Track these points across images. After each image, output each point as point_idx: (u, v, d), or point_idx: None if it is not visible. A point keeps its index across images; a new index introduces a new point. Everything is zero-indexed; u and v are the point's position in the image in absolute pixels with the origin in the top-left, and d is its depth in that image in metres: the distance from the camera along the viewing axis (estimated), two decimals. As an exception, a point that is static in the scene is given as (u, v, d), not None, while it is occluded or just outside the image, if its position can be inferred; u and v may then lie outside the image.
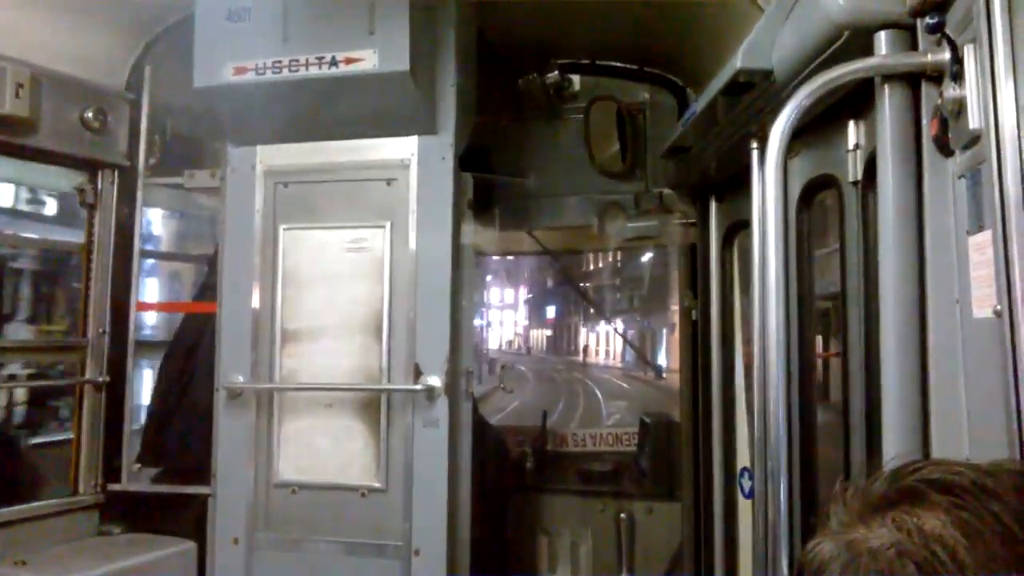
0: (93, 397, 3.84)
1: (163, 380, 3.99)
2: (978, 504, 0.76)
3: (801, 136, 2.43)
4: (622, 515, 4.34)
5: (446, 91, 3.42)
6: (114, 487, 3.82)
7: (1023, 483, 0.78)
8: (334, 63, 3.19)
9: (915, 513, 0.77)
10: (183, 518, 3.69)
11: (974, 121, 1.55)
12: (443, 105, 3.43)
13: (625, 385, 26.01)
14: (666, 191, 4.36)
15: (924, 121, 1.81)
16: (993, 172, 1.46)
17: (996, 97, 1.47)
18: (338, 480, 3.40)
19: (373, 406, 3.40)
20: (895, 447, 1.81)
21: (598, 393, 23.11)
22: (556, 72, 4.39)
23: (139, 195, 3.95)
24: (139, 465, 3.89)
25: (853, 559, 0.79)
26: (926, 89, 1.80)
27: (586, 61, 4.48)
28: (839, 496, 0.86)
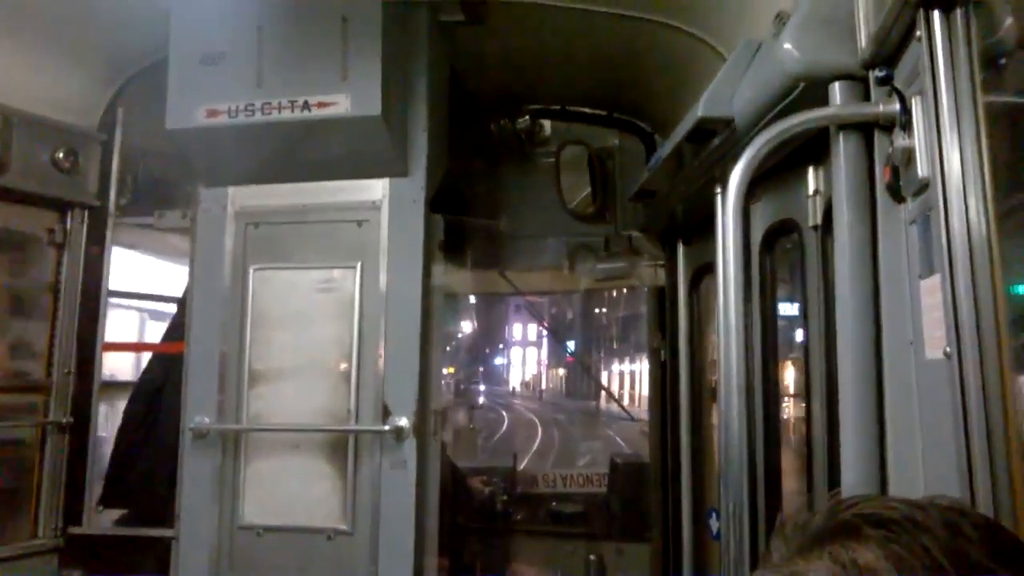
0: (56, 438, 3.77)
1: (128, 420, 3.93)
2: (909, 538, 0.79)
3: (763, 182, 2.51)
4: (591, 556, 4.32)
5: (418, 135, 3.47)
6: (75, 530, 3.74)
7: (952, 518, 0.82)
8: (307, 107, 3.22)
9: (850, 547, 0.80)
10: (146, 561, 3.62)
11: (922, 169, 1.61)
12: (415, 148, 3.47)
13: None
14: (635, 234, 4.43)
15: (877, 169, 1.88)
16: (941, 218, 1.51)
17: (942, 147, 1.53)
18: (304, 522, 3.36)
19: (341, 447, 3.38)
20: (853, 482, 1.84)
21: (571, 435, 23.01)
22: (527, 117, 4.49)
23: (108, 235, 3.94)
24: (102, 507, 3.82)
25: None
26: (879, 138, 1.87)
27: (557, 107, 4.57)
28: (780, 530, 0.89)
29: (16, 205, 3.74)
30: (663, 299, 4.24)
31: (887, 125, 1.82)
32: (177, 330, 3.83)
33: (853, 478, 1.84)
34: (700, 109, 2.47)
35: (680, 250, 3.96)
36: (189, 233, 3.73)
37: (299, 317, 3.48)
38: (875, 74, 1.78)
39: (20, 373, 3.87)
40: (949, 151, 1.52)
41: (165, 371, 3.85)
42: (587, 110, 4.56)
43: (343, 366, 3.41)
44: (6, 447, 3.78)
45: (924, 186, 1.62)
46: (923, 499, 0.86)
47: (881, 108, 1.81)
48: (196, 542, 3.43)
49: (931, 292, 1.61)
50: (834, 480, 2.18)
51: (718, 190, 2.83)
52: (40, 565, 3.65)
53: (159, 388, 3.86)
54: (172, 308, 4.14)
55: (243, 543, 3.40)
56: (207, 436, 3.45)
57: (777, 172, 2.48)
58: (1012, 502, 1.32)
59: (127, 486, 3.84)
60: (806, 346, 2.45)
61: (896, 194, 1.79)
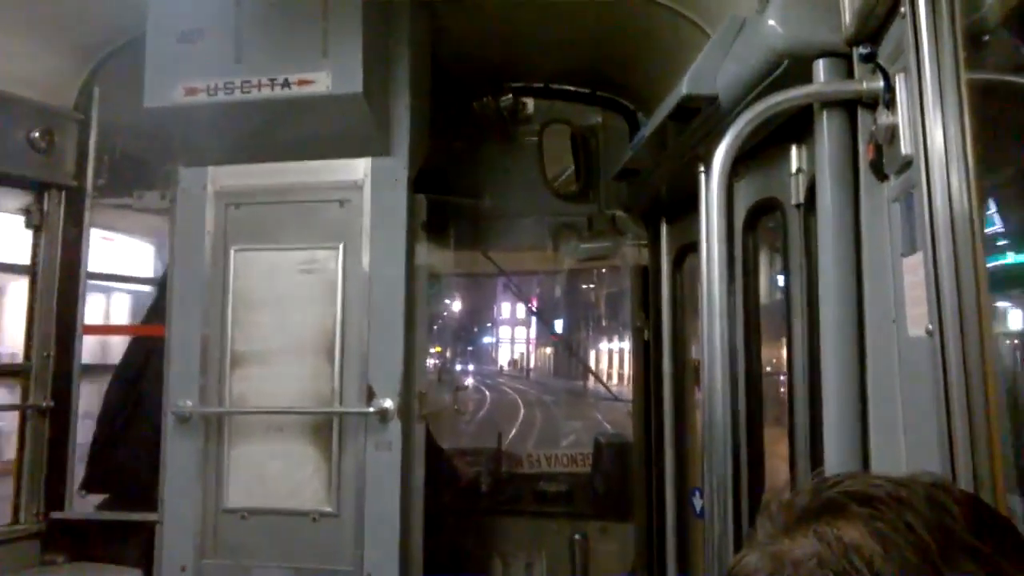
0: (36, 422, 3.74)
1: (109, 404, 3.90)
2: (893, 515, 0.79)
3: (746, 160, 2.50)
4: (576, 535, 4.34)
5: (400, 113, 3.44)
6: (57, 515, 3.72)
7: (935, 494, 0.82)
8: (287, 84, 3.18)
9: (836, 524, 0.81)
10: (129, 546, 3.60)
11: (906, 147, 1.61)
12: (397, 127, 3.44)
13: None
14: (619, 213, 4.43)
15: (861, 146, 1.87)
16: (924, 197, 1.51)
17: (925, 125, 1.53)
18: (289, 505, 3.36)
19: (325, 429, 3.37)
20: (836, 459, 1.85)
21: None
22: (510, 96, 4.45)
23: (87, 216, 3.89)
24: (84, 491, 3.80)
25: (777, 569, 0.81)
26: (862, 116, 1.87)
27: (540, 85, 4.54)
28: (765, 509, 0.89)
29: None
30: (646, 278, 4.24)
31: (870, 103, 1.82)
32: (157, 313, 3.79)
33: (835, 454, 1.85)
34: (684, 86, 2.46)
35: (663, 229, 3.95)
36: (168, 214, 3.69)
37: (282, 298, 3.46)
38: (859, 51, 1.77)
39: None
40: (932, 128, 1.52)
41: (146, 354, 3.81)
42: (570, 88, 4.53)
43: (327, 348, 3.39)
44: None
45: (907, 164, 1.62)
46: (906, 476, 0.86)
47: (865, 85, 1.81)
48: (180, 526, 3.42)
49: (913, 270, 1.61)
50: (816, 456, 2.20)
51: (702, 168, 2.82)
52: (22, 550, 3.62)
53: (140, 371, 3.83)
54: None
55: (228, 526, 3.39)
56: (190, 420, 3.43)
57: (760, 150, 2.47)
58: (992, 478, 1.33)
59: (109, 470, 3.81)
60: (788, 324, 2.45)
61: (879, 172, 1.79)
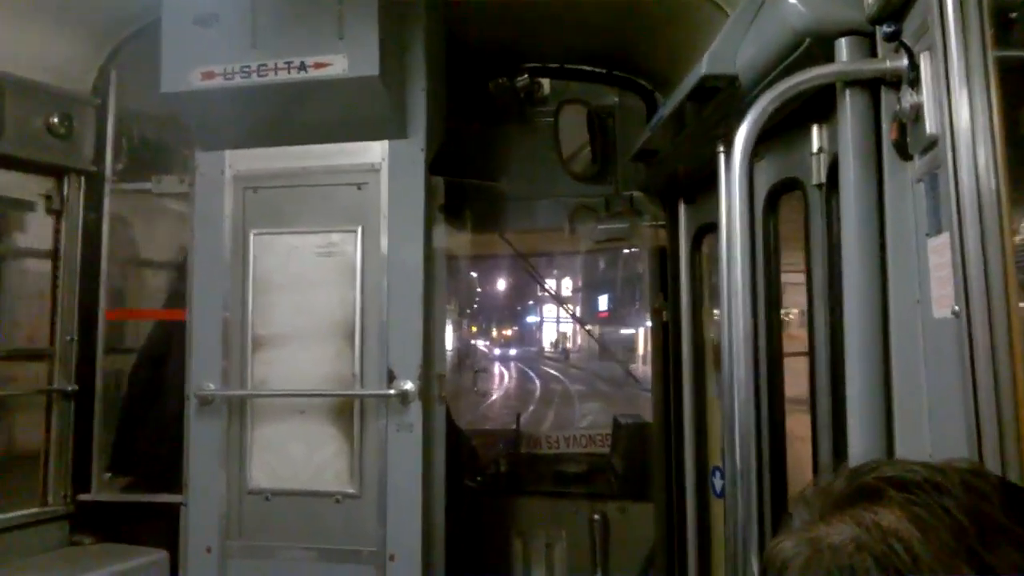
0: (62, 406, 3.79)
1: (133, 387, 3.95)
2: (931, 500, 0.80)
3: (766, 140, 2.47)
4: (595, 516, 4.37)
5: (416, 95, 3.43)
6: (84, 497, 3.78)
7: (971, 480, 0.83)
8: (303, 68, 3.18)
9: (873, 509, 0.81)
10: (155, 527, 3.65)
11: (931, 126, 1.59)
12: (414, 109, 3.43)
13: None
14: (636, 194, 4.40)
15: (884, 126, 1.85)
16: (949, 177, 1.50)
17: (951, 103, 1.51)
18: (312, 486, 3.39)
19: (346, 411, 3.40)
20: (860, 442, 1.85)
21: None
22: (526, 76, 4.42)
23: (106, 201, 3.92)
24: (110, 474, 3.86)
25: (815, 554, 0.82)
26: (886, 95, 1.85)
27: (555, 65, 4.51)
28: (801, 497, 0.90)
29: (11, 171, 3.71)
30: (664, 259, 4.22)
31: (894, 81, 1.79)
32: (178, 297, 3.82)
33: (859, 438, 1.84)
34: (703, 67, 2.44)
35: (681, 209, 3.93)
36: (187, 198, 3.71)
37: (301, 281, 3.48)
38: (883, 29, 1.75)
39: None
40: (958, 107, 1.50)
41: (168, 337, 3.85)
42: (586, 68, 4.49)
43: (347, 330, 3.41)
44: (13, 414, 3.80)
45: (932, 143, 1.60)
46: (941, 462, 0.87)
47: (888, 64, 1.79)
48: (205, 508, 3.46)
49: (939, 251, 1.60)
50: (839, 440, 2.19)
51: (721, 148, 2.81)
52: (51, 531, 3.69)
53: (163, 354, 3.86)
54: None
55: (252, 508, 3.43)
56: (212, 402, 3.46)
57: (780, 130, 2.45)
58: (1020, 462, 1.32)
59: (134, 453, 3.86)
60: (810, 305, 2.44)
61: (903, 151, 1.77)
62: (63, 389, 3.80)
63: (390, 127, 3.40)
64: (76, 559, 3.59)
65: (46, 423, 3.77)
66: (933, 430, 1.65)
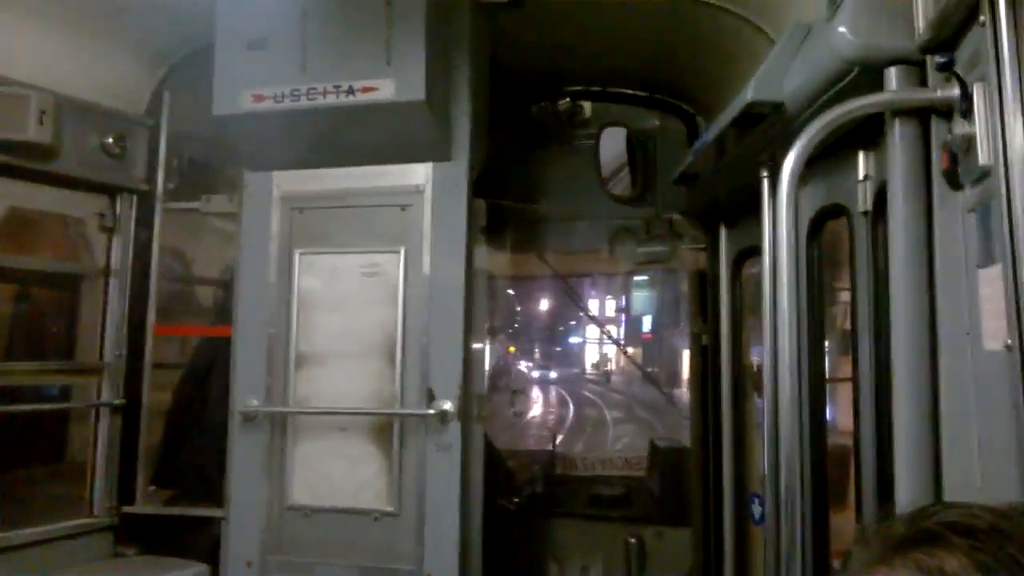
0: (109, 419, 3.87)
1: (178, 402, 4.02)
2: (995, 546, 0.79)
3: (810, 165, 2.46)
4: (631, 539, 4.34)
5: (460, 119, 3.47)
6: (129, 509, 3.85)
7: None
8: (351, 92, 3.24)
9: (935, 554, 0.80)
10: (197, 541, 3.71)
11: (984, 157, 1.58)
12: (457, 133, 3.47)
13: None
14: (676, 216, 4.41)
15: (934, 155, 1.84)
16: (1003, 208, 1.48)
17: (1005, 134, 1.50)
18: (351, 504, 3.42)
19: (386, 430, 3.43)
20: (907, 476, 1.82)
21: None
22: (568, 99, 4.46)
23: (157, 219, 4.01)
24: (153, 487, 3.92)
25: None
26: (936, 124, 1.84)
27: (597, 88, 4.54)
28: (859, 537, 0.89)
29: (67, 190, 3.82)
30: (704, 283, 4.21)
31: (945, 110, 1.79)
32: (224, 314, 3.89)
33: (906, 473, 1.82)
34: (750, 93, 2.44)
35: (722, 233, 3.93)
36: (235, 218, 3.79)
37: (344, 301, 3.52)
38: (936, 59, 1.74)
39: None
40: (1012, 138, 1.49)
41: (213, 353, 3.92)
42: (628, 91, 4.52)
43: (388, 350, 3.44)
44: (64, 427, 3.90)
45: (985, 173, 1.59)
46: (1004, 506, 0.86)
47: (939, 93, 1.78)
48: (246, 522, 3.50)
49: (991, 282, 1.58)
50: (883, 474, 2.17)
51: (765, 174, 2.81)
52: (97, 542, 3.76)
53: (208, 370, 3.93)
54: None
55: (291, 523, 3.47)
56: (255, 418, 3.51)
57: (824, 155, 2.44)
58: (1076, 498, 1.30)
59: (178, 467, 3.93)
60: (854, 334, 2.42)
61: (954, 181, 1.76)
62: (111, 403, 3.88)
63: (434, 150, 3.44)
64: (120, 570, 3.66)
65: (93, 436, 3.86)
66: (983, 465, 1.63)
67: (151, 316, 3.97)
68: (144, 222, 4.02)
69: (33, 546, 3.50)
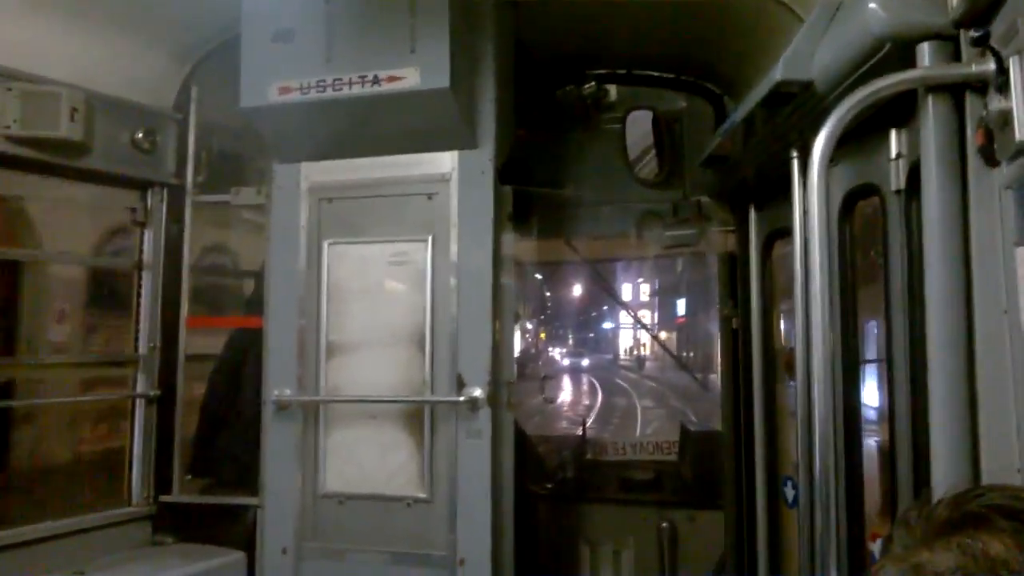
0: (145, 410, 3.94)
1: (212, 393, 4.07)
2: None
3: (841, 145, 2.43)
4: (664, 523, 4.33)
5: (486, 106, 3.47)
6: (166, 498, 3.91)
7: None
8: (376, 81, 3.24)
9: (979, 537, 0.79)
10: (233, 528, 3.76)
11: (1021, 132, 1.55)
12: (483, 119, 3.47)
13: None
14: (704, 199, 4.37)
15: (969, 131, 1.81)
16: (1041, 184, 1.46)
17: (1042, 109, 1.47)
18: (384, 491, 3.45)
19: (417, 417, 3.45)
20: (943, 457, 1.80)
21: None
22: (593, 83, 4.42)
23: (187, 212, 4.05)
24: (190, 476, 3.99)
25: None
26: (970, 100, 1.80)
27: (623, 71, 4.50)
28: (902, 521, 0.88)
29: (99, 185, 3.87)
30: (733, 265, 4.17)
31: (979, 86, 1.75)
32: (255, 305, 3.93)
33: (943, 454, 1.80)
34: (779, 72, 2.41)
35: (752, 215, 3.88)
36: (263, 209, 3.82)
37: (373, 290, 3.55)
38: (970, 34, 1.71)
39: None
40: (1050, 113, 1.46)
41: (246, 344, 3.96)
42: (654, 73, 4.48)
43: (417, 338, 3.46)
44: (102, 418, 3.97)
45: (1022, 150, 1.56)
46: None
47: (974, 68, 1.75)
48: (280, 510, 3.55)
49: (1029, 259, 1.56)
50: (918, 453, 2.14)
51: (795, 154, 2.77)
52: (135, 531, 3.83)
53: (241, 361, 3.98)
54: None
55: (325, 511, 3.51)
56: (288, 408, 3.55)
57: (855, 135, 2.40)
58: (1120, 478, 1.28)
59: (213, 456, 3.99)
60: (887, 313, 2.39)
61: (990, 158, 1.73)
62: (146, 394, 3.94)
63: (460, 138, 3.44)
64: (158, 558, 3.72)
65: (130, 427, 3.92)
66: (1022, 445, 1.61)
67: (184, 308, 4.01)
68: (175, 215, 4.06)
69: (74, 535, 3.58)
